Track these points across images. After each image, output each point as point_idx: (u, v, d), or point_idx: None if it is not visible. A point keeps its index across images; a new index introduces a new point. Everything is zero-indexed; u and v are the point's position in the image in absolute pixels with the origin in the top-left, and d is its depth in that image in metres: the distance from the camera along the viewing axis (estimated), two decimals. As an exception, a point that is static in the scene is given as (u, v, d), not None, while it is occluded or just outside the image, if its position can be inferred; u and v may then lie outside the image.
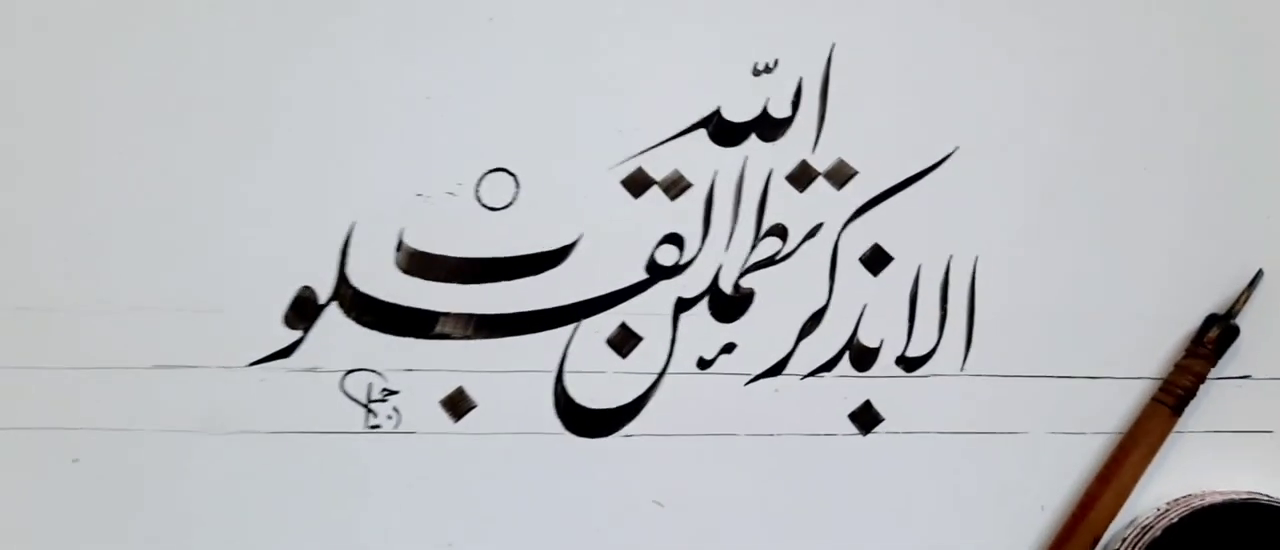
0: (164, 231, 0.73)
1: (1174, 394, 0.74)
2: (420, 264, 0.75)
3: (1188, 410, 0.75)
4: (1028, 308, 0.77)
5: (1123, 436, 0.75)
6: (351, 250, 0.74)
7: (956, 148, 0.78)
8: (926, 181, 0.78)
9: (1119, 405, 0.76)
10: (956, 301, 0.78)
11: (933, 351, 0.77)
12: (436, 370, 0.74)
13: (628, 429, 0.74)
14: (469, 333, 0.74)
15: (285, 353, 0.74)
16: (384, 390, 0.74)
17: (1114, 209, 0.77)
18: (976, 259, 0.77)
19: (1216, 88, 0.78)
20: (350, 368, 0.74)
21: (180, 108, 0.73)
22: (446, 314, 0.74)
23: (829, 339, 0.77)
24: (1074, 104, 0.78)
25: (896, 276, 0.78)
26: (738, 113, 0.76)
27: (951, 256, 0.78)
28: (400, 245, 0.75)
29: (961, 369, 0.77)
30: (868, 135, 0.77)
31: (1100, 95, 0.78)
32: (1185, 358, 0.75)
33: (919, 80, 0.78)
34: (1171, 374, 0.75)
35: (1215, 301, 0.77)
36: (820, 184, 0.77)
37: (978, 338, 0.77)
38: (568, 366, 0.75)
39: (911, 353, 0.77)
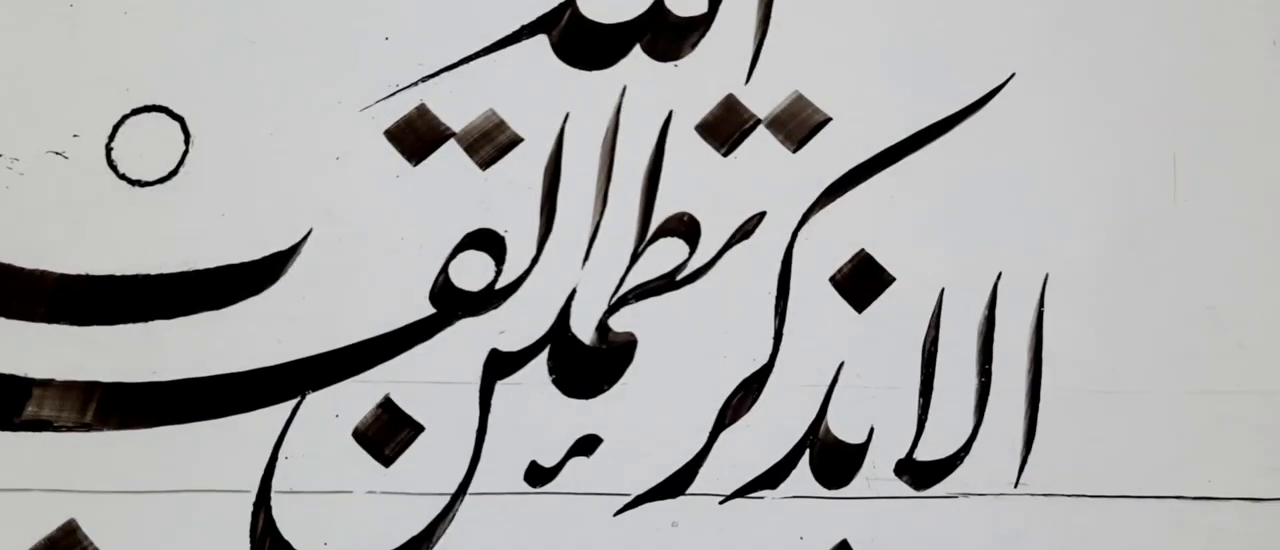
0: None
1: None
2: None
3: None
4: (1130, 355, 0.56)
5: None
6: None
7: (1011, 75, 0.58)
8: (959, 135, 0.57)
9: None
10: (1010, 358, 0.56)
11: (964, 451, 0.56)
12: (26, 491, 0.51)
13: None
14: (87, 418, 0.52)
15: None
16: None
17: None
18: (1045, 279, 0.57)
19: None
20: None
21: None
22: (46, 383, 0.52)
23: (774, 427, 0.56)
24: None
25: (898, 312, 0.57)
26: (609, 4, 0.57)
27: (1000, 275, 0.57)
28: None
29: (1017, 484, 0.56)
30: (846, 51, 0.58)
31: None
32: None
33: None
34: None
35: None
36: (760, 139, 0.57)
37: (1044, 427, 0.56)
38: (278, 482, 0.52)
39: (923, 454, 0.56)
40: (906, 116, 0.58)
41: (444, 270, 0.54)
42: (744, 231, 0.57)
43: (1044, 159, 0.57)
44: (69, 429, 0.51)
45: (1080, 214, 0.57)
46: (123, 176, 0.51)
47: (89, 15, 0.52)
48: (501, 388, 0.54)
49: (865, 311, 0.57)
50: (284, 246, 0.52)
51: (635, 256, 0.54)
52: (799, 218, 0.56)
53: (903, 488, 0.56)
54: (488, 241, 0.53)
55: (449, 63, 0.53)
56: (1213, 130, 0.58)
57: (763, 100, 0.56)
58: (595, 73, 0.55)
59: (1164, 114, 0.58)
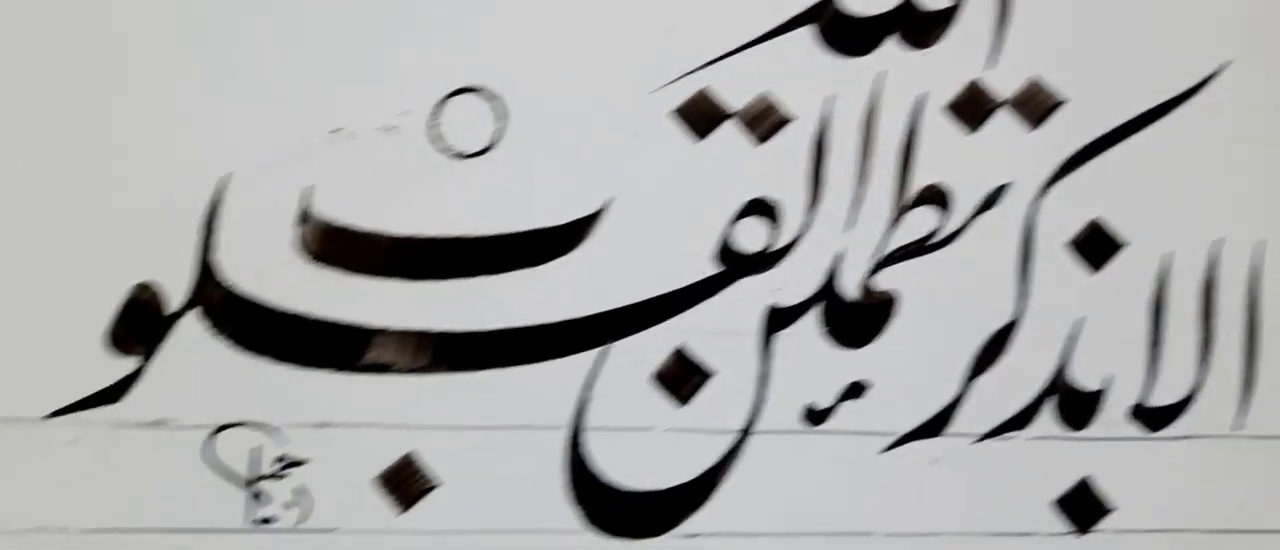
0: None
1: None
2: (339, 246, 0.57)
3: None
4: None
5: None
6: (222, 221, 0.57)
7: (1227, 63, 0.63)
8: (1178, 116, 0.62)
9: None
10: (1228, 316, 0.62)
11: (1190, 397, 0.61)
12: (370, 425, 0.57)
13: (690, 524, 0.58)
14: (423, 362, 0.58)
15: (110, 395, 0.56)
16: (281, 460, 0.57)
17: None
18: (1262, 247, 0.62)
19: None
20: (222, 422, 0.56)
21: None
22: (384, 331, 0.57)
23: (1021, 376, 0.61)
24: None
25: (1129, 274, 0.62)
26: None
27: (1222, 242, 0.62)
28: (306, 215, 0.57)
29: (1235, 426, 0.61)
30: (1079, 41, 0.63)
31: None
32: None
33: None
34: None
35: None
36: (1004, 120, 0.61)
37: (1262, 376, 0.61)
38: (590, 421, 0.58)
39: (1155, 400, 0.61)
40: (1133, 98, 0.62)
41: (726, 234, 0.58)
42: (989, 201, 0.61)
43: (1259, 137, 0.62)
44: (406, 371, 0.57)
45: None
46: (446, 149, 0.57)
47: (419, 6, 0.58)
48: (779, 338, 0.59)
49: (1099, 272, 0.61)
50: (588, 213, 0.57)
51: (893, 223, 0.59)
52: (1038, 189, 0.60)
53: (1136, 430, 0.61)
54: (764, 209, 0.59)
55: (728, 50, 0.58)
56: None
57: (1004, 84, 0.60)
58: (856, 59, 0.59)
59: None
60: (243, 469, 0.56)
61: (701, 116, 0.59)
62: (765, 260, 0.59)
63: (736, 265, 0.58)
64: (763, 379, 0.58)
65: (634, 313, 0.57)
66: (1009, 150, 0.61)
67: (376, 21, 0.59)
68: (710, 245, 0.58)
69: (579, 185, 0.58)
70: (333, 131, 0.57)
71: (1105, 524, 0.60)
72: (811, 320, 0.59)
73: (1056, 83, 0.61)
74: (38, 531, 0.55)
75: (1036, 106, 0.61)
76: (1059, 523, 0.60)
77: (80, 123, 0.57)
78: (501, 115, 0.58)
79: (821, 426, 0.59)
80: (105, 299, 0.56)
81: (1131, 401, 0.61)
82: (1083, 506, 0.60)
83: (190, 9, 0.58)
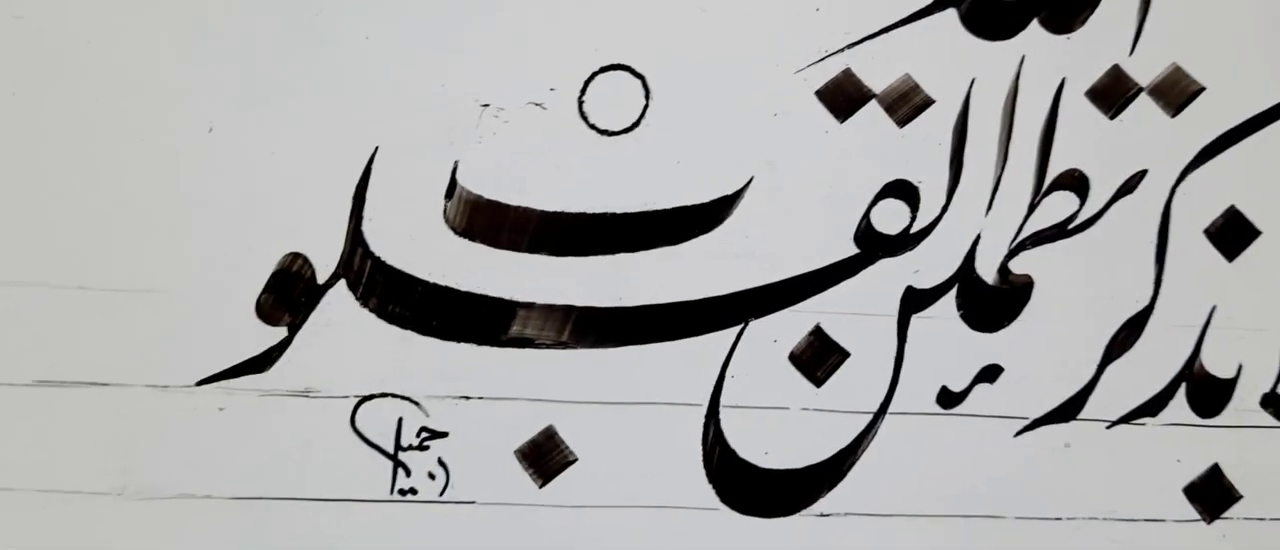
0: (50, 161, 0.56)
1: None
2: (486, 221, 0.58)
3: None
4: None
5: None
6: (371, 195, 0.58)
7: None
8: None
9: None
10: None
11: None
12: (512, 399, 0.58)
13: (824, 504, 0.60)
14: (564, 337, 0.59)
15: (258, 364, 0.57)
16: (424, 430, 0.58)
17: None
18: None
19: None
20: (367, 391, 0.57)
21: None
22: (529, 306, 0.58)
23: (1154, 362, 0.62)
24: None
25: (1266, 260, 0.62)
26: None
27: None
28: (453, 189, 0.58)
29: None
30: (1217, 28, 0.63)
31: None
32: None
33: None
34: None
35: None
36: (1142, 105, 0.62)
37: None
38: (726, 398, 0.59)
39: None
40: (1272, 88, 0.62)
41: (866, 215, 0.59)
42: (1128, 187, 0.61)
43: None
44: (548, 346, 0.58)
45: None
46: (592, 126, 0.57)
47: None
48: (916, 320, 0.60)
49: (1235, 260, 0.62)
50: (730, 191, 0.57)
51: (1032, 207, 0.60)
52: (1176, 176, 0.61)
53: (1266, 419, 0.62)
54: (904, 191, 0.59)
55: (871, 32, 0.58)
56: None
57: (1145, 70, 0.61)
58: (998, 43, 0.59)
59: None
60: (387, 439, 0.56)
61: (844, 97, 0.59)
62: (904, 242, 0.59)
63: (876, 246, 0.58)
64: (898, 360, 0.58)
65: (772, 291, 0.58)
66: (1148, 137, 0.62)
67: (525, 3, 0.59)
68: (850, 226, 0.58)
69: (721, 164, 0.58)
70: (482, 107, 0.58)
71: (1233, 511, 0.61)
72: (948, 303, 0.59)
73: (1196, 70, 0.61)
74: (184, 499, 0.56)
75: (1177, 94, 0.61)
76: (1188, 509, 0.61)
77: (234, 96, 0.57)
78: (646, 94, 0.58)
79: (955, 409, 0.59)
80: (256, 269, 0.57)
81: (1263, 390, 0.62)
82: (1212, 494, 0.61)
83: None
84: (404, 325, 0.58)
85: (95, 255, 0.56)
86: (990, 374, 0.59)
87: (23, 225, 0.55)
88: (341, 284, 0.58)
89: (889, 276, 0.60)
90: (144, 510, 0.57)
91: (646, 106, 0.59)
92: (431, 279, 0.58)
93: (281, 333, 0.58)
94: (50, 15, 0.55)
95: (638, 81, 0.59)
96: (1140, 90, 0.61)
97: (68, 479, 0.57)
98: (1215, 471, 0.61)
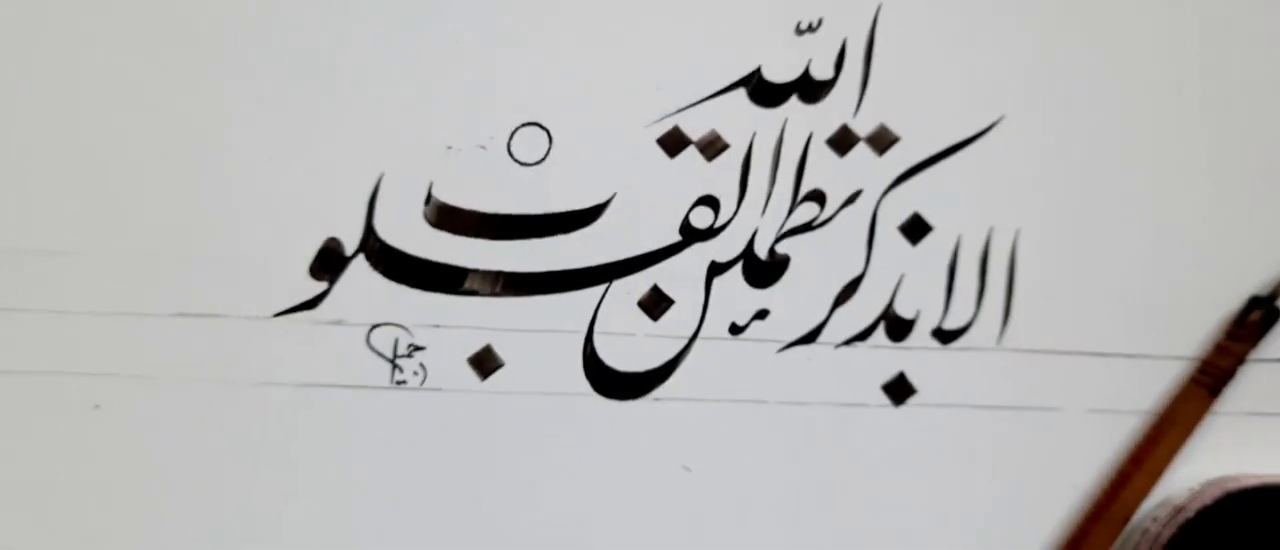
0: (188, 177, 0.70)
1: (1212, 375, 0.73)
2: (449, 218, 0.72)
3: (1225, 392, 0.73)
4: (1067, 283, 0.75)
5: (1159, 416, 0.74)
6: (380, 202, 0.71)
7: (1001, 117, 0.76)
8: (969, 151, 0.76)
9: (1156, 385, 0.74)
10: (996, 274, 0.75)
11: (969, 324, 0.75)
12: (464, 327, 0.72)
13: (657, 392, 0.73)
14: (497, 290, 0.72)
15: (310, 304, 0.71)
16: (410, 346, 0.71)
17: (1157, 186, 0.76)
18: (1017, 232, 0.76)
19: (1267, 63, 0.76)
20: (376, 322, 0.71)
21: (207, 52, 0.70)
22: (475, 270, 0.72)
23: (864, 308, 0.75)
24: (1121, 78, 0.76)
25: (935, 247, 0.76)
26: (779, 73, 0.74)
27: (992, 229, 0.76)
28: (429, 198, 0.72)
29: (998, 343, 0.75)
30: (912, 101, 0.75)
31: (1146, 70, 0.76)
32: (1225, 339, 0.74)
33: (966, 47, 0.75)
34: (1211, 355, 0.74)
35: (1256, 283, 0.75)
36: (861, 149, 0.75)
37: (1016, 311, 0.75)
38: (598, 327, 0.72)
39: (948, 324, 0.75)
40: (939, 139, 0.74)
41: (686, 217, 0.72)
42: (850, 200, 0.73)
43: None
44: (487, 295, 0.71)
45: None
46: (516, 160, 0.71)
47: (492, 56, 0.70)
48: (717, 281, 0.73)
49: (917, 245, 0.73)
50: (602, 200, 0.72)
51: (790, 212, 0.73)
52: (881, 193, 0.73)
53: (934, 343, 0.74)
54: (710, 201, 0.73)
55: (691, 103, 0.72)
56: None
57: (863, 126, 0.73)
58: (771, 109, 0.73)
59: None
60: (387, 351, 0.70)
61: (674, 142, 0.73)
62: (710, 233, 0.73)
63: (692, 236, 0.72)
64: (705, 306, 0.73)
65: (629, 264, 0.72)
66: (864, 169, 0.74)
67: (477, 67, 0.70)
68: (676, 223, 0.73)
69: (597, 184, 0.72)
70: (448, 147, 0.71)
71: (913, 401, 0.74)
72: (737, 271, 0.73)
73: (895, 126, 0.74)
74: (264, 386, 0.69)
75: (883, 142, 0.74)
76: (883, 398, 0.73)
77: (274, 127, 0.68)
78: (550, 139, 0.72)
79: (740, 336, 0.73)
80: (309, 244, 0.70)
81: (933, 326, 0.75)
82: (899, 389, 0.73)
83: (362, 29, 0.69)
84: (399, 281, 0.71)
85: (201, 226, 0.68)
86: (762, 315, 0.73)
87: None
88: (361, 257, 0.71)
89: (701, 254, 0.73)
90: (255, 394, 0.69)
91: (550, 148, 0.72)
92: (416, 254, 0.71)
93: (324, 285, 0.70)
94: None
95: (544, 132, 0.72)
96: (859, 139, 0.73)
97: (168, 369, 0.67)
98: (902, 376, 0.74)
